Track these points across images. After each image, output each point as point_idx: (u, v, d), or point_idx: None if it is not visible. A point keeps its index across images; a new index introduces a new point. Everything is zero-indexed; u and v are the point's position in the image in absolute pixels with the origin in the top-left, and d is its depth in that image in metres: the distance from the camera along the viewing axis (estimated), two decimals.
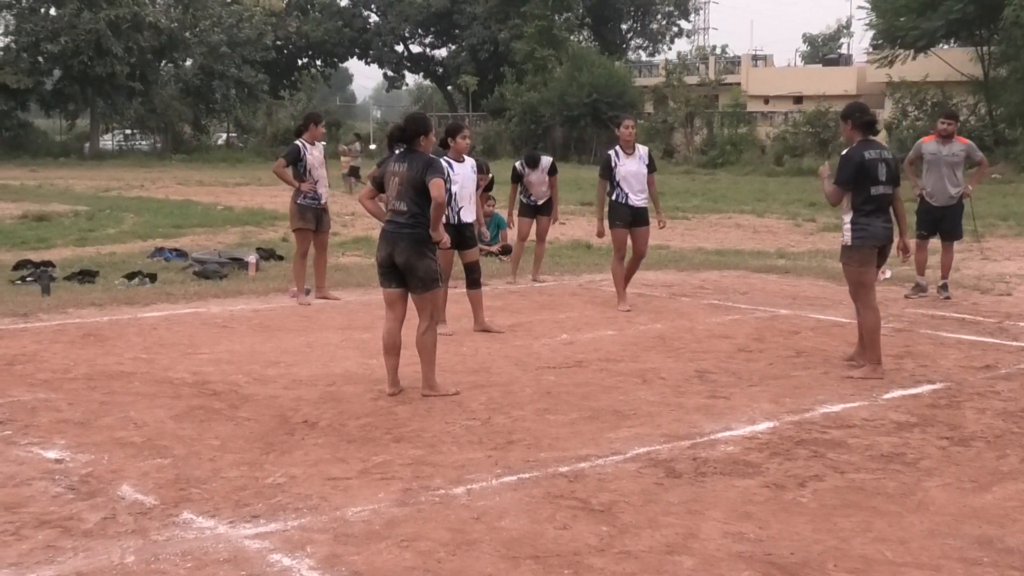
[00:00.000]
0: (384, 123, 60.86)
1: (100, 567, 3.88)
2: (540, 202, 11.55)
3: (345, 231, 16.87)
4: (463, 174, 8.71)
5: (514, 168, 11.64)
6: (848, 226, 7.27)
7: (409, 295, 6.57)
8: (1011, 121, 37.03)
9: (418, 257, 6.41)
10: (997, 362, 7.68)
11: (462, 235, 8.69)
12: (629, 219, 9.83)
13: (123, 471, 4.99)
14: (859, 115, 7.36)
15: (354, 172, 28.08)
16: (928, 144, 10.80)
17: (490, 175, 11.16)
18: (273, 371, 7.15)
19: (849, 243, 7.27)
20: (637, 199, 9.84)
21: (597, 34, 63.63)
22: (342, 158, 29.79)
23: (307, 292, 10.25)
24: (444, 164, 8.69)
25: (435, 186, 6.36)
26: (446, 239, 6.76)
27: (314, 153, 10.17)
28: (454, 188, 8.61)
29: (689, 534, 4.26)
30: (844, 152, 7.34)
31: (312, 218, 10.14)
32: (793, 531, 4.31)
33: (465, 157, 8.79)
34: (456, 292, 9.26)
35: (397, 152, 6.74)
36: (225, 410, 6.12)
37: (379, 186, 6.71)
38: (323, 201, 10.22)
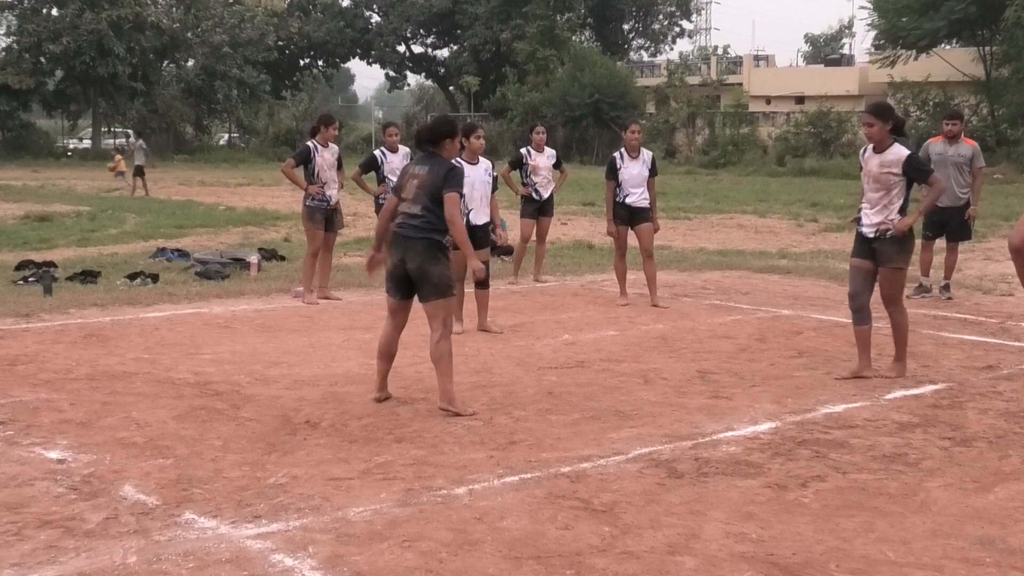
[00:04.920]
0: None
1: (102, 567, 3.88)
2: (545, 193, 11.57)
3: (346, 231, 16.85)
4: (475, 176, 8.65)
5: (519, 153, 11.70)
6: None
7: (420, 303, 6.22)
8: (1013, 121, 37.04)
9: (432, 262, 6.05)
10: (999, 362, 7.67)
11: (474, 236, 8.66)
12: (627, 218, 10.08)
13: (125, 471, 4.99)
14: (897, 117, 7.06)
15: (139, 172, 26.95)
16: (935, 145, 10.80)
17: (495, 174, 11.16)
18: (275, 371, 7.15)
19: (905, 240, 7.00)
20: (635, 199, 10.03)
21: (599, 34, 63.65)
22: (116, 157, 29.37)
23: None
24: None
25: (450, 201, 6.02)
26: (480, 267, 6.41)
27: (325, 156, 10.20)
28: (464, 190, 8.58)
29: (691, 534, 4.26)
30: (909, 153, 6.95)
31: (321, 219, 10.21)
32: (795, 531, 4.31)
33: (480, 159, 8.76)
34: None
35: (420, 154, 6.41)
36: (227, 410, 6.12)
37: (399, 193, 6.26)
38: (332, 202, 10.27)
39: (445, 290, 6.12)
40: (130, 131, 34.10)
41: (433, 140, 6.29)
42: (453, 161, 6.38)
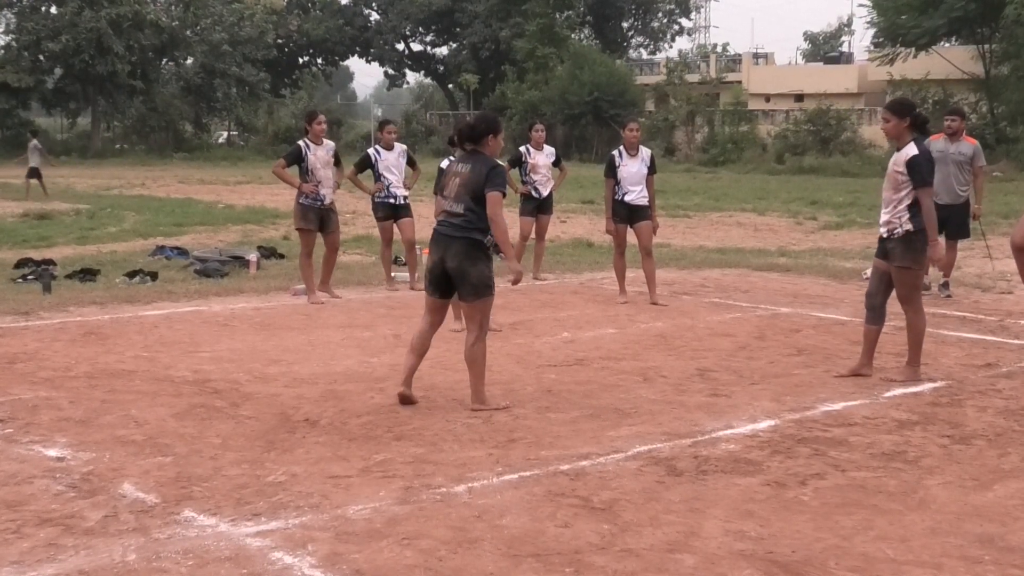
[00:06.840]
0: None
1: (101, 565, 3.88)
2: (544, 191, 11.59)
3: (346, 229, 16.86)
4: None
5: (518, 151, 11.72)
6: (908, 224, 6.78)
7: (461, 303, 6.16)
8: (1012, 119, 37.11)
9: (471, 262, 5.97)
10: (998, 360, 7.67)
11: None
12: (626, 216, 10.13)
13: (124, 469, 4.99)
14: (916, 114, 6.88)
15: (34, 174, 25.26)
16: (935, 142, 10.75)
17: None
18: (274, 369, 7.15)
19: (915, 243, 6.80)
20: (635, 197, 10.08)
21: (598, 32, 63.69)
22: None
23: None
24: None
25: (492, 199, 5.90)
26: (520, 271, 6.28)
27: (319, 153, 9.99)
28: None
29: (690, 532, 4.26)
30: (916, 153, 6.73)
31: (315, 218, 10.04)
32: (794, 529, 4.31)
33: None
34: None
35: (461, 152, 6.30)
36: (226, 408, 6.12)
37: (441, 190, 6.16)
38: (326, 201, 10.08)
39: (483, 291, 6.03)
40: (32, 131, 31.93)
41: (474, 138, 6.18)
42: (500, 164, 6.24)
